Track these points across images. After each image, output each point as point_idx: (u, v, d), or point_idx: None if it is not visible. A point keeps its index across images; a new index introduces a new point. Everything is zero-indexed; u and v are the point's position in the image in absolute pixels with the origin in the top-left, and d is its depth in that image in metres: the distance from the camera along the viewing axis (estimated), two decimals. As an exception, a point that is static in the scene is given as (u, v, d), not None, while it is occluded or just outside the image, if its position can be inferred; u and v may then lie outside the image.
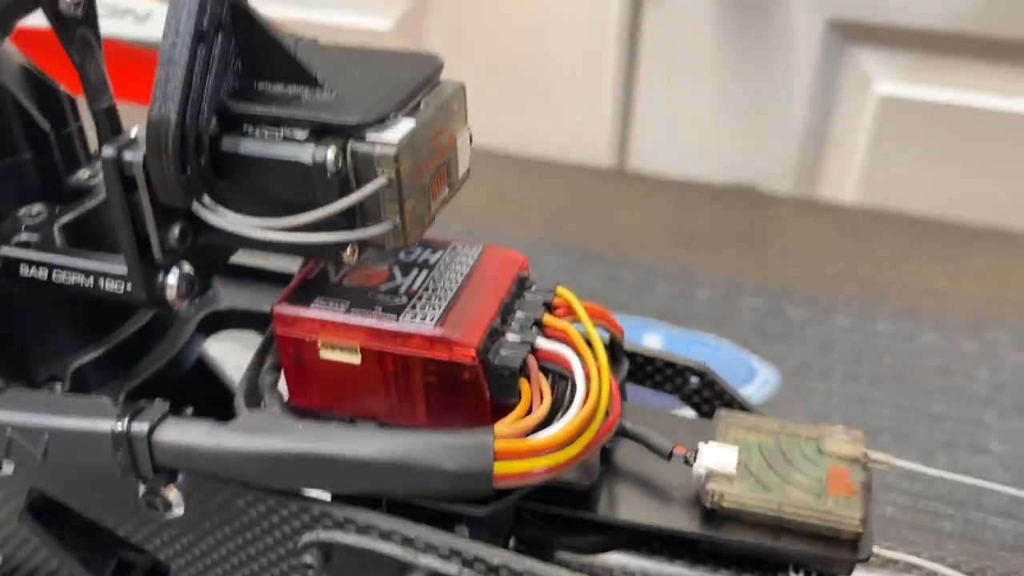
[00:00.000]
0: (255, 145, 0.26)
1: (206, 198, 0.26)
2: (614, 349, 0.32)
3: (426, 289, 0.29)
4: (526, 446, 0.26)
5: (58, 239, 0.30)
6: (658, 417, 0.32)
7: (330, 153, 0.25)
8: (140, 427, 0.27)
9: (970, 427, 0.67)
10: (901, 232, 0.86)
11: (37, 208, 0.31)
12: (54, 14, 0.27)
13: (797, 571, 0.29)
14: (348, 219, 0.26)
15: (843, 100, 0.88)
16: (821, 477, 0.28)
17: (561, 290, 0.30)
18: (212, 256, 0.30)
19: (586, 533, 0.30)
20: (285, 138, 0.26)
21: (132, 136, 0.26)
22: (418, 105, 0.27)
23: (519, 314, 0.29)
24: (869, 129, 0.87)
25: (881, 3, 0.81)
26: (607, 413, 0.27)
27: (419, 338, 0.28)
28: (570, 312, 0.30)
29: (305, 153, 0.25)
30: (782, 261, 0.84)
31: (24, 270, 0.29)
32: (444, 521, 0.28)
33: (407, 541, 0.27)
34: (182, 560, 0.31)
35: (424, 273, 0.30)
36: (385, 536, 0.28)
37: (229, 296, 0.36)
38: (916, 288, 0.80)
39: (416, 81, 0.27)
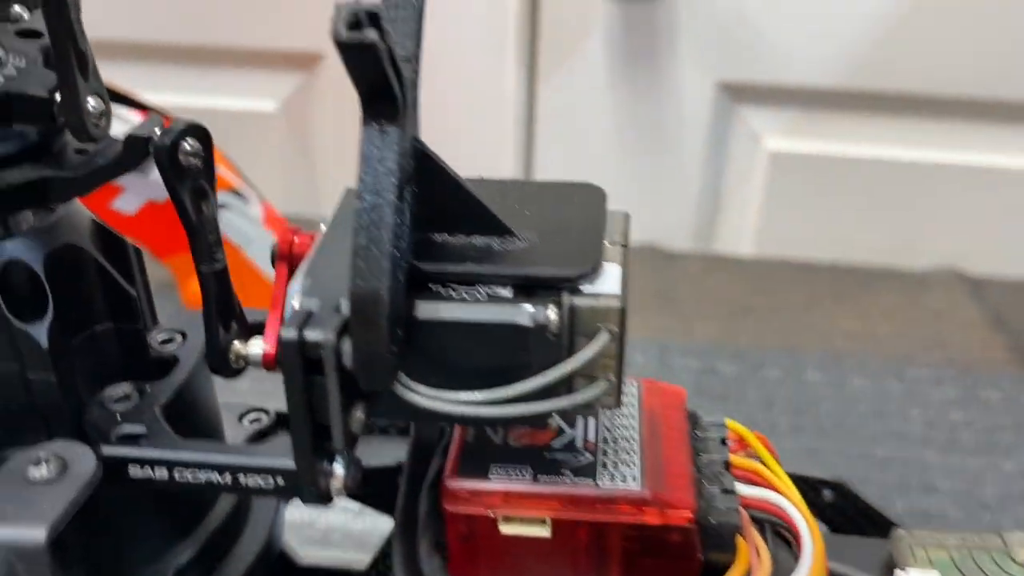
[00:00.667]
0: (458, 309, 0.22)
1: (402, 376, 0.22)
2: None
3: (605, 441, 0.26)
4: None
5: (166, 427, 0.25)
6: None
7: (552, 313, 0.22)
8: None
9: (916, 468, 0.69)
10: (805, 279, 0.90)
11: (124, 389, 0.26)
12: (170, 161, 0.22)
13: None
14: (562, 382, 0.23)
15: (735, 157, 0.90)
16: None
17: (730, 423, 0.28)
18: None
19: None
20: (490, 297, 0.22)
21: (300, 308, 0.22)
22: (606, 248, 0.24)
23: (704, 458, 0.27)
24: (761, 183, 0.90)
25: (765, 63, 0.85)
26: None
27: (626, 503, 0.25)
28: (742, 445, 0.28)
29: (522, 315, 0.22)
30: (701, 318, 0.85)
31: (136, 471, 0.24)
32: None
33: None
34: None
35: (591, 421, 0.27)
36: None
37: None
38: (833, 332, 0.83)
39: (600, 219, 0.24)
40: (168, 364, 0.27)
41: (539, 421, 0.23)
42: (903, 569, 0.28)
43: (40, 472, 0.23)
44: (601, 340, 0.22)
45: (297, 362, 0.21)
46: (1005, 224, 0.88)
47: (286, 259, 0.25)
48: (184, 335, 0.28)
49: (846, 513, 0.32)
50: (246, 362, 0.25)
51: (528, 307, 0.22)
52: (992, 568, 0.28)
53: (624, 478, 0.25)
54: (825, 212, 0.90)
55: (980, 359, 0.80)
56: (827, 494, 0.32)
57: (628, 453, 0.26)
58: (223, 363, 0.25)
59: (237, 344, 0.25)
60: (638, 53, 0.87)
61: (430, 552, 0.26)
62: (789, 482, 0.27)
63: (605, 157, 0.91)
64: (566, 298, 0.22)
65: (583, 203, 0.25)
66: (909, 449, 0.71)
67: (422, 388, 0.22)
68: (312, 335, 0.21)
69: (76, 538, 0.23)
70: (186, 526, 0.27)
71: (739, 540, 0.25)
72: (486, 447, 0.26)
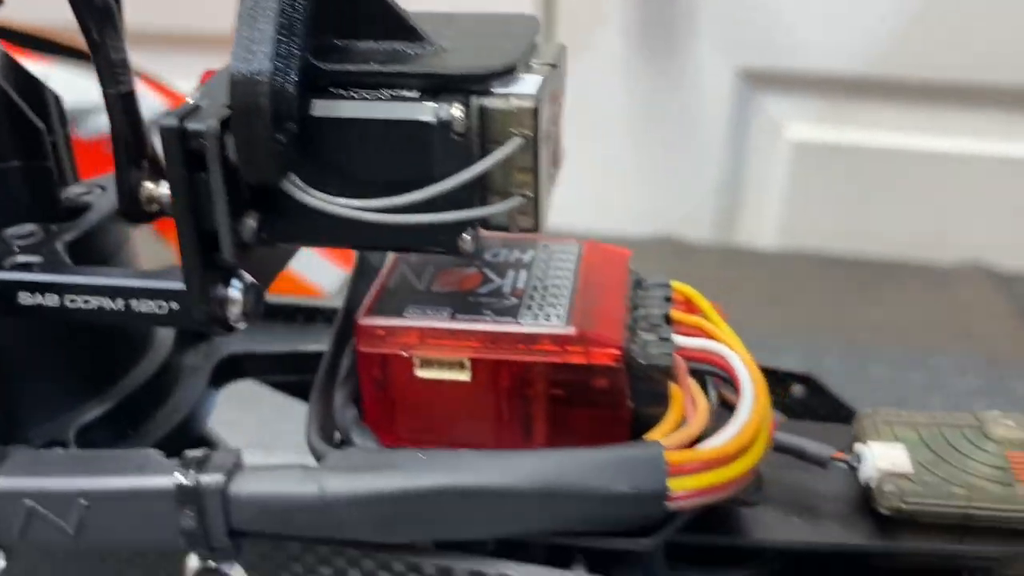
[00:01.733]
0: (358, 107, 0.21)
1: (293, 176, 0.21)
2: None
3: (535, 288, 0.25)
4: (701, 457, 0.22)
5: (66, 259, 0.24)
6: (789, 425, 0.28)
7: (455, 110, 0.20)
8: (213, 479, 0.21)
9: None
10: (827, 272, 0.87)
11: (29, 228, 0.25)
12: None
13: (978, 579, 0.25)
14: (467, 196, 0.21)
15: (755, 147, 0.88)
16: (1001, 465, 0.25)
17: (678, 284, 0.26)
18: (266, 267, 0.24)
19: (738, 564, 0.26)
20: (393, 97, 0.21)
21: (191, 103, 0.21)
22: (529, 65, 0.23)
23: (642, 311, 0.25)
24: (782, 174, 0.88)
25: (787, 50, 0.83)
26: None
27: (548, 339, 0.23)
28: (691, 309, 0.26)
29: (425, 112, 0.21)
30: (723, 309, 0.82)
31: (26, 297, 0.23)
32: (595, 567, 0.23)
33: None
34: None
35: (523, 272, 0.25)
36: None
37: (238, 340, 0.30)
38: (854, 324, 0.80)
39: (526, 38, 0.23)
40: (80, 212, 0.26)
41: (445, 238, 0.22)
42: (864, 443, 0.25)
43: None
44: (512, 144, 0.21)
45: (178, 154, 0.20)
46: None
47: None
48: (103, 189, 0.27)
49: (816, 410, 0.30)
50: (160, 206, 0.24)
51: (431, 103, 0.21)
52: (966, 446, 0.26)
53: (548, 317, 0.23)
54: (849, 204, 0.87)
55: (1008, 350, 0.76)
56: (796, 388, 0.30)
57: (556, 298, 0.24)
58: (133, 204, 0.24)
59: (148, 184, 0.24)
60: (656, 40, 0.86)
61: (346, 403, 0.25)
62: (735, 338, 0.25)
63: (623, 147, 0.90)
64: (475, 99, 0.21)
65: (513, 27, 0.24)
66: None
67: (315, 191, 0.21)
68: (194, 124, 0.20)
69: None
70: (96, 385, 0.26)
71: (673, 388, 0.23)
72: (407, 291, 0.24)
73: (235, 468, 0.21)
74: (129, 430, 0.26)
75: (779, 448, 0.26)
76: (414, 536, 0.22)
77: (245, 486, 0.21)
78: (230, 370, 0.30)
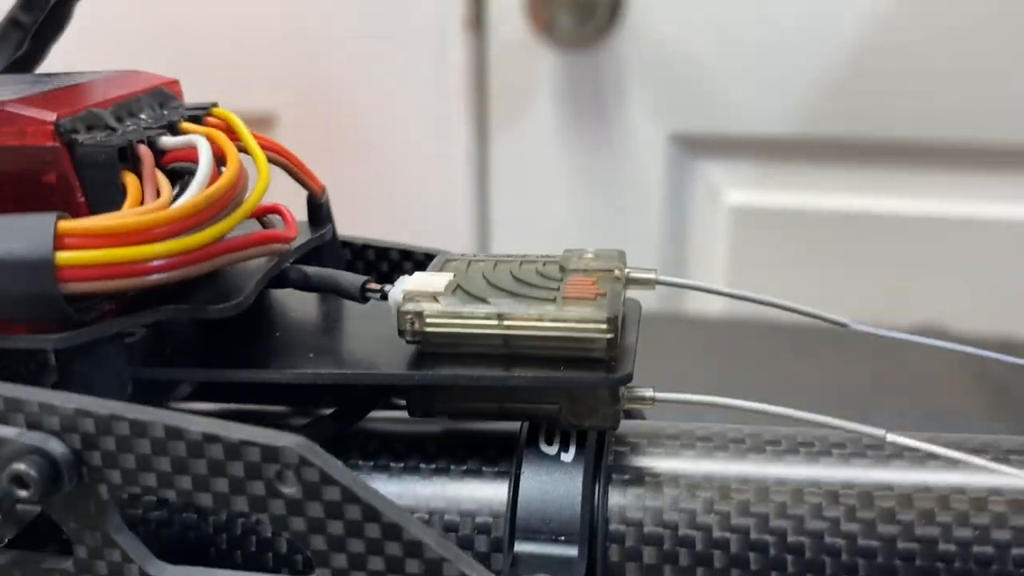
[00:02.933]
0: None
1: None
2: (315, 213, 0.25)
3: (21, 83, 0.22)
4: (108, 225, 0.18)
5: None
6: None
7: None
8: None
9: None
10: (771, 337, 0.82)
11: None
12: None
13: (549, 440, 0.20)
14: None
15: (695, 213, 0.85)
16: (558, 288, 0.20)
17: (219, 110, 0.23)
18: None
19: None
20: None
21: None
22: None
23: (144, 117, 0.22)
24: (724, 239, 0.84)
25: (719, 114, 0.81)
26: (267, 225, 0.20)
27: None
28: (234, 136, 0.23)
29: None
30: (654, 377, 0.77)
31: None
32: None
33: None
34: None
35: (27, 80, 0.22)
36: None
37: None
38: (794, 389, 0.74)
39: None
40: None
41: None
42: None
43: None
44: None
45: None
46: (987, 278, 0.78)
47: None
48: None
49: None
50: None
51: None
52: (530, 276, 0.21)
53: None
54: (794, 268, 0.83)
55: (956, 409, 0.70)
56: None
57: (30, 88, 0.21)
58: None
59: None
60: (587, 107, 0.84)
61: None
62: (261, 157, 0.22)
63: (562, 217, 0.87)
64: None
65: None
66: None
67: None
68: None
69: None
70: None
71: (130, 178, 0.20)
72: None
73: None
74: None
75: (317, 286, 0.22)
76: None
77: None
78: None
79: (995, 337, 0.77)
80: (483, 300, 0.20)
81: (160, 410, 0.17)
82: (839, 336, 0.80)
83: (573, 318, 0.19)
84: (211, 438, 0.17)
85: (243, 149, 0.22)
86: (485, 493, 0.20)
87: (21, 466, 0.17)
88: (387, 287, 0.21)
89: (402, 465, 0.21)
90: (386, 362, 0.20)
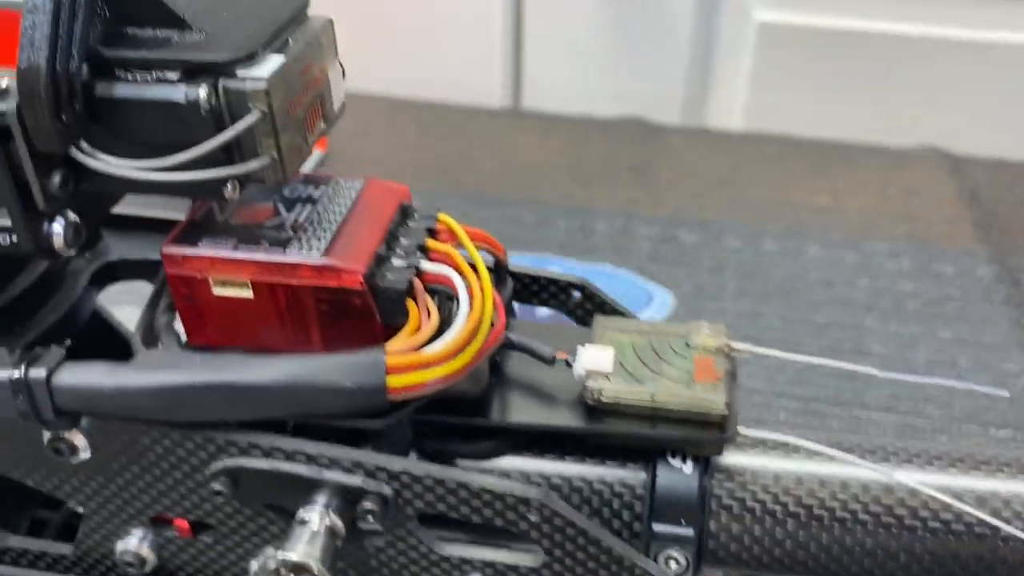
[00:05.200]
0: (128, 88, 0.26)
1: (83, 144, 0.27)
2: (499, 270, 0.34)
3: (311, 222, 0.30)
4: (417, 359, 0.28)
5: None
6: (544, 329, 0.34)
7: (202, 92, 0.26)
8: (38, 372, 0.28)
9: (853, 333, 0.71)
10: (786, 155, 0.90)
11: None
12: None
13: (675, 455, 0.31)
14: (228, 156, 0.27)
15: (724, 29, 0.90)
16: (689, 368, 0.31)
17: (443, 216, 0.32)
18: (97, 204, 0.30)
19: (481, 439, 0.32)
20: (158, 80, 0.26)
21: (3, 86, 0.27)
22: (286, 42, 0.28)
23: (403, 241, 0.31)
24: (751, 56, 0.90)
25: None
26: (492, 325, 0.29)
27: (306, 268, 0.29)
28: (453, 237, 0.32)
29: (177, 93, 0.26)
30: (673, 190, 0.87)
31: None
32: (350, 442, 0.30)
33: (311, 459, 0.29)
34: (94, 504, 0.32)
35: (308, 207, 0.31)
36: (289, 457, 0.29)
37: (119, 247, 0.37)
38: (801, 207, 0.84)
39: (282, 18, 0.28)
40: None
41: (210, 189, 0.27)
42: (583, 345, 0.31)
43: None
44: (250, 118, 0.26)
45: None
46: (991, 101, 0.86)
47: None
48: None
49: (591, 311, 0.36)
50: None
51: (182, 87, 0.26)
52: (666, 352, 0.31)
53: (311, 250, 0.29)
54: (814, 87, 0.90)
55: (944, 234, 0.80)
56: (575, 295, 0.36)
57: (325, 232, 0.30)
58: None
59: None
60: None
61: (164, 310, 0.31)
62: (480, 262, 0.31)
63: (593, 30, 0.92)
64: (222, 81, 0.26)
65: (275, 6, 0.28)
66: (850, 316, 0.73)
67: (100, 155, 0.27)
68: (0, 106, 0.26)
69: None
70: None
71: (409, 304, 0.29)
72: (207, 223, 0.31)
73: (59, 363, 0.28)
74: (14, 327, 0.33)
75: (515, 347, 0.32)
76: (192, 417, 0.29)
77: (64, 378, 0.28)
78: (107, 274, 0.37)
79: (992, 157, 0.87)
80: (639, 381, 0.30)
81: (448, 468, 0.29)
82: (849, 157, 0.88)
83: (702, 399, 0.30)
84: (484, 489, 0.28)
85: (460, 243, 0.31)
86: (631, 482, 0.32)
87: (368, 504, 0.29)
88: (570, 358, 0.31)
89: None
90: (568, 416, 0.31)
